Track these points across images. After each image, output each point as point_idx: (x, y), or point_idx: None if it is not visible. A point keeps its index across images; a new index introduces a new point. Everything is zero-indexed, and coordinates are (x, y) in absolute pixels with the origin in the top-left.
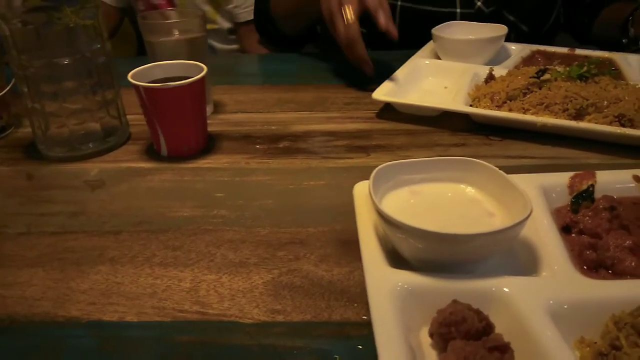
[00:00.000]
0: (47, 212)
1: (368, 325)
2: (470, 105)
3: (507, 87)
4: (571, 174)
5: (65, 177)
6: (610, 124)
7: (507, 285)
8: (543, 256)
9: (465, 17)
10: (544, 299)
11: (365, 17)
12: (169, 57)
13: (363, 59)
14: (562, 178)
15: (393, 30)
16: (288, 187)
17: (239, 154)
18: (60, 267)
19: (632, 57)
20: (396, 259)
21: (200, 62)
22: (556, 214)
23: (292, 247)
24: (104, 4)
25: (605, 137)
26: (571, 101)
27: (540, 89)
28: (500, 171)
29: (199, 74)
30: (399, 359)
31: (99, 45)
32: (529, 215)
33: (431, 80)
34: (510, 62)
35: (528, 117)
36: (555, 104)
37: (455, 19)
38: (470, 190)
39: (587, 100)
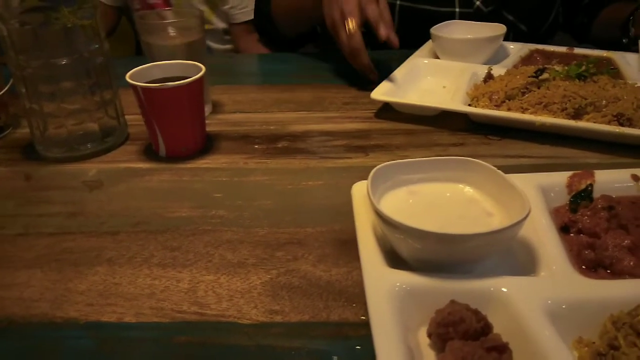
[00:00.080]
0: (45, 213)
1: (366, 325)
2: (469, 105)
3: (506, 86)
4: (570, 173)
5: (63, 178)
6: (608, 123)
7: (505, 285)
8: (541, 256)
9: (464, 17)
10: (542, 299)
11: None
12: (167, 59)
13: (367, 67)
14: (560, 177)
15: (394, 40)
16: (286, 187)
17: (238, 154)
18: (58, 268)
19: (631, 56)
20: (394, 259)
21: (198, 63)
22: (555, 213)
23: (291, 247)
24: (101, 3)
25: (603, 136)
26: (570, 100)
27: (538, 88)
28: (498, 171)
29: (197, 74)
30: (397, 359)
31: (96, 46)
32: (527, 215)
33: (430, 79)
34: (509, 62)
35: (527, 117)
36: (554, 103)
37: (454, 19)
38: (468, 190)
39: (586, 99)
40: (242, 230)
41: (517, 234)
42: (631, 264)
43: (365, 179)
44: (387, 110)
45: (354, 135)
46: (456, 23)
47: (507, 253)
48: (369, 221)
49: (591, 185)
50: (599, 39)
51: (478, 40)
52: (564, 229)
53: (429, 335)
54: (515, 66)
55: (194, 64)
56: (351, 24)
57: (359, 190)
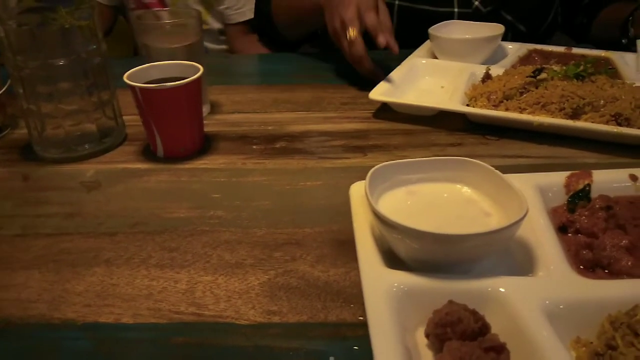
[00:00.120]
0: (43, 214)
1: (364, 326)
2: (467, 105)
3: (504, 86)
4: (567, 173)
5: (61, 179)
6: (606, 123)
7: (503, 286)
8: (539, 256)
9: (463, 17)
10: (540, 299)
11: None
12: (166, 60)
13: (371, 72)
14: (558, 177)
15: (394, 47)
16: (285, 187)
17: (236, 154)
18: (55, 269)
19: (629, 56)
20: (392, 260)
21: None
22: (552, 213)
23: (289, 247)
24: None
25: (601, 136)
26: (568, 100)
27: (536, 88)
28: (496, 171)
29: (195, 75)
30: (395, 359)
31: (94, 46)
32: (525, 215)
33: (428, 79)
34: (507, 62)
35: (525, 117)
36: (552, 103)
37: (453, 19)
38: (466, 190)
39: (584, 99)
40: (240, 231)
41: (514, 234)
42: (629, 263)
43: (364, 179)
44: (386, 111)
45: (353, 135)
46: (454, 23)
47: (505, 253)
48: (367, 221)
49: (589, 185)
50: (599, 39)
51: (476, 40)
52: (561, 229)
53: (427, 336)
54: (513, 66)
55: (192, 65)
56: (352, 33)
57: (357, 190)
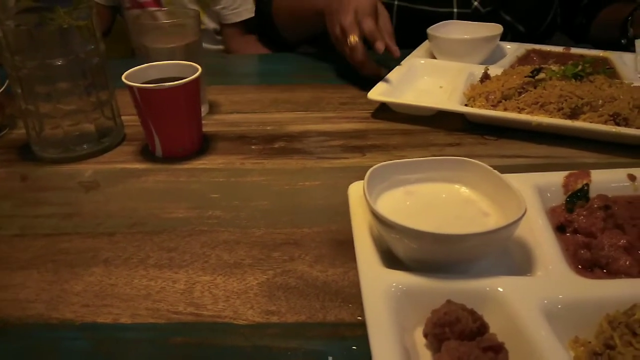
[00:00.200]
0: (41, 214)
1: (362, 326)
2: (466, 105)
3: (502, 86)
4: (566, 173)
5: (59, 179)
6: (605, 123)
7: (501, 285)
8: (537, 256)
9: (462, 17)
10: (538, 298)
11: None
12: (163, 60)
13: (376, 74)
14: (556, 177)
15: (394, 51)
16: (283, 187)
17: (234, 154)
18: (54, 269)
19: (627, 56)
20: (391, 260)
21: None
22: (551, 213)
23: (287, 247)
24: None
25: (600, 136)
26: (566, 100)
27: (535, 88)
28: (494, 171)
29: (193, 75)
30: (394, 359)
31: (92, 46)
32: (523, 215)
33: (426, 79)
34: (506, 62)
35: (523, 117)
36: (550, 103)
37: (452, 19)
38: (465, 190)
39: (582, 99)
40: (239, 231)
41: (513, 233)
42: (627, 263)
43: (362, 179)
44: (384, 111)
45: (351, 135)
46: (453, 23)
47: (503, 253)
48: (365, 221)
49: (587, 185)
50: (598, 39)
51: (475, 40)
52: (560, 229)
53: (425, 336)
54: (512, 66)
55: (190, 65)
56: (352, 39)
57: (356, 190)
